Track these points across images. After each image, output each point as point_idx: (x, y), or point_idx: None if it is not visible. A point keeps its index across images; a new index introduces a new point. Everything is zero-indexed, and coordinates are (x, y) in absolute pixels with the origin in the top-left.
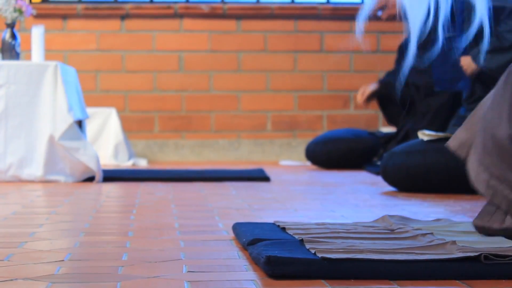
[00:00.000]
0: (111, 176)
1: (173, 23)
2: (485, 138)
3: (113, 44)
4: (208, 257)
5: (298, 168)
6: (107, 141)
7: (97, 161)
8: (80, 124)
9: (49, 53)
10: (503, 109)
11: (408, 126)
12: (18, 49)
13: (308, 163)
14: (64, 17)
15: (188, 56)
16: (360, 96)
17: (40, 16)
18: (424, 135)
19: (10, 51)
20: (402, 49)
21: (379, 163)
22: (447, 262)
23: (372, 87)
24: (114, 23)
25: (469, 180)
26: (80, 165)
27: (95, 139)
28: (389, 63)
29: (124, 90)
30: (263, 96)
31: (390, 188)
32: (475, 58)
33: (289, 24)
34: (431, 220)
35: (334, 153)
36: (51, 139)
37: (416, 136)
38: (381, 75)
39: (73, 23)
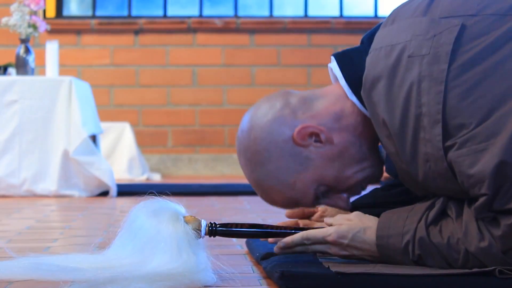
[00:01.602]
0: (125, 190)
1: (187, 37)
2: None
3: (126, 59)
4: (222, 271)
5: None
6: (121, 155)
7: (111, 175)
8: (94, 139)
9: (63, 68)
10: None
11: None
12: (32, 65)
13: None
14: (78, 32)
15: (201, 70)
16: None
17: (54, 32)
18: None
19: (24, 66)
20: None
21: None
22: (461, 276)
23: None
24: (128, 38)
25: None
26: (94, 179)
27: (109, 153)
28: None
29: (138, 104)
30: None
31: None
32: None
33: (302, 38)
34: None
35: None
36: (65, 154)
37: None
38: None
39: (87, 38)
